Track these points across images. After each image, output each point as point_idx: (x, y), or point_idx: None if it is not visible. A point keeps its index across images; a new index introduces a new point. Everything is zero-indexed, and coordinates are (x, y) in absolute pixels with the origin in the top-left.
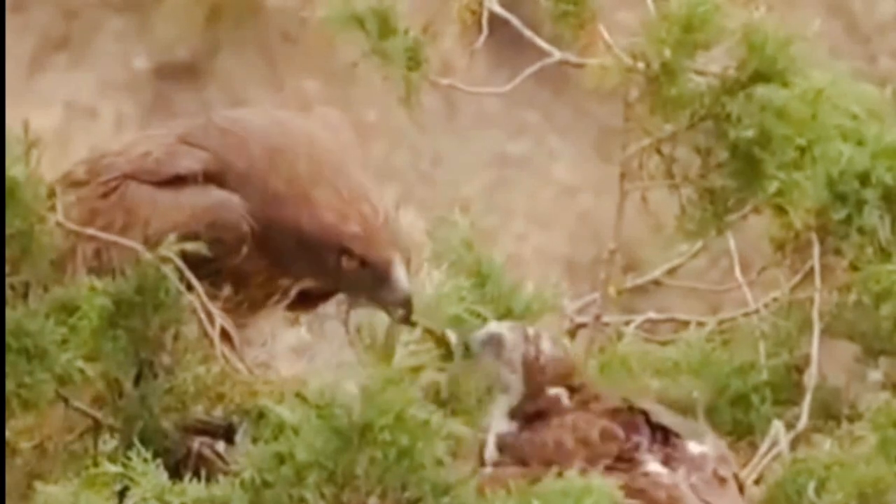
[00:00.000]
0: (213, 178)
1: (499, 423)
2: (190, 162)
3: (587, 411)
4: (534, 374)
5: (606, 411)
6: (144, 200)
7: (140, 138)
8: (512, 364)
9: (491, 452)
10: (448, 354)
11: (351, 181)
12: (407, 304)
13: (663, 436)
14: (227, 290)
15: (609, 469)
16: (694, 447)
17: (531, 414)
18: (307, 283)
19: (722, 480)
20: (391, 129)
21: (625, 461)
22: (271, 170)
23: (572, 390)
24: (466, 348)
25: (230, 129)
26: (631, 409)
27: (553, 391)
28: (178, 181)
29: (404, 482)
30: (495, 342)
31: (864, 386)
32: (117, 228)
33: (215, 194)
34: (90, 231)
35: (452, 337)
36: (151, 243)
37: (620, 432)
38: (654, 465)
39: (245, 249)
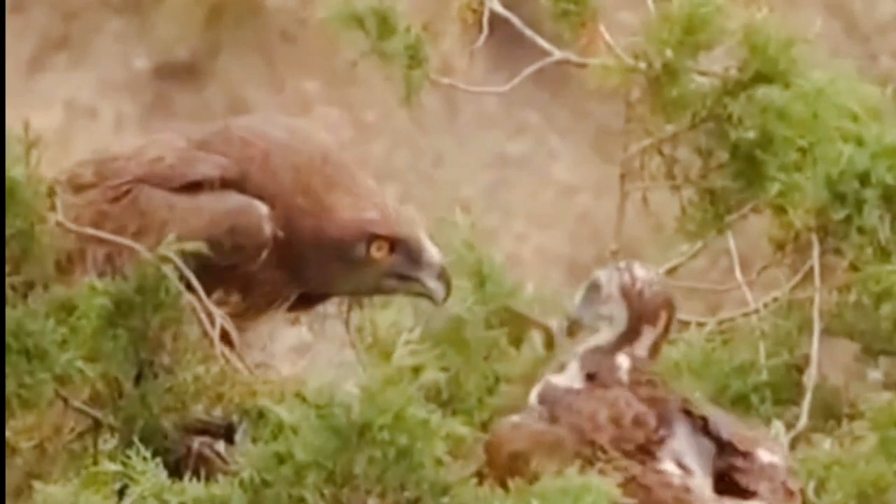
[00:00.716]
0: (231, 184)
1: (572, 376)
2: (207, 168)
3: (634, 392)
4: (633, 301)
5: (650, 398)
6: (160, 205)
7: (149, 143)
8: (612, 297)
9: (532, 399)
10: (551, 342)
11: (357, 181)
12: (444, 276)
13: (720, 447)
14: (234, 297)
15: (627, 455)
16: (765, 456)
17: (585, 374)
18: (336, 291)
19: (790, 493)
20: (391, 129)
21: (644, 453)
22: (294, 184)
23: (635, 367)
24: (571, 323)
25: (251, 140)
26: (689, 412)
27: (619, 358)
28: (194, 187)
29: (403, 482)
30: (592, 288)
31: (863, 385)
32: (130, 233)
33: (235, 199)
34: (92, 232)
35: (553, 324)
36: None
37: (653, 422)
38: (669, 465)
39: (264, 255)
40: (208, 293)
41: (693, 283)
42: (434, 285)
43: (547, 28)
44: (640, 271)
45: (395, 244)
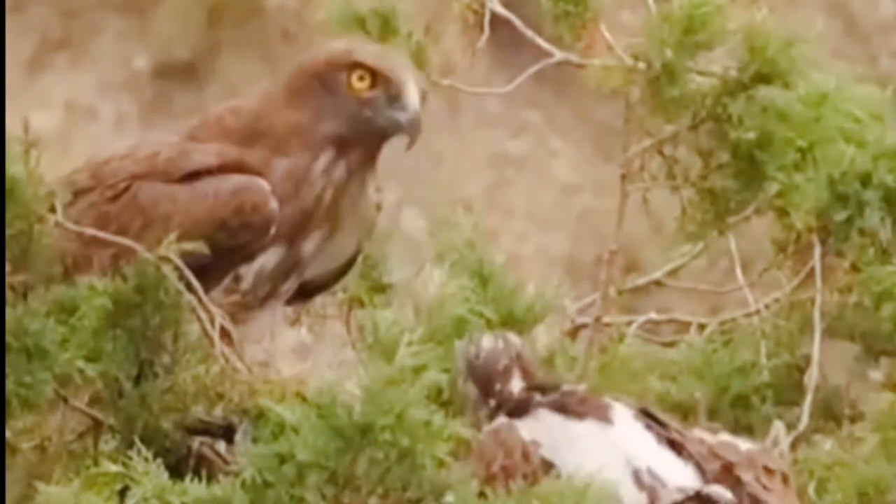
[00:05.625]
0: (229, 168)
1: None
2: (202, 156)
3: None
4: (476, 372)
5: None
6: (161, 198)
7: (140, 142)
8: (462, 372)
9: None
10: None
11: None
12: (416, 125)
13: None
14: (248, 282)
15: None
16: (742, 443)
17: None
18: (323, 129)
19: (770, 472)
20: None
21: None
22: (272, 93)
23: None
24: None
25: (222, 114)
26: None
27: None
28: (192, 176)
29: (405, 483)
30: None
31: (864, 386)
32: (134, 230)
33: (235, 179)
34: (92, 232)
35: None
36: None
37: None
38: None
39: (273, 230)
40: (219, 279)
41: (694, 283)
42: (407, 127)
43: (548, 28)
44: (486, 342)
45: (376, 78)
